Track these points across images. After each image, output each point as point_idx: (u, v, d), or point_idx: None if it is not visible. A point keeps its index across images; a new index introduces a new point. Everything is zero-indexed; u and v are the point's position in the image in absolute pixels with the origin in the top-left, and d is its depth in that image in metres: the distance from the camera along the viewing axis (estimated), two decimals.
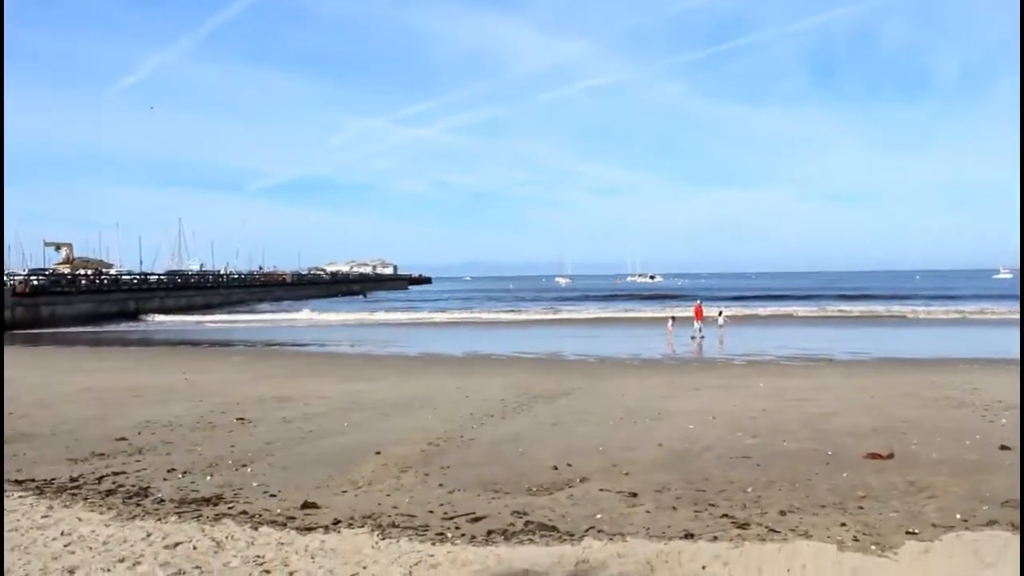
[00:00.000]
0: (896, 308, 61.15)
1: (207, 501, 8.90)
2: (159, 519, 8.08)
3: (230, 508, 8.61)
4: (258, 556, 6.79)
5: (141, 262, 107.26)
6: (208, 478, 10.06)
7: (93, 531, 7.54)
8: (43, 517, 8.08)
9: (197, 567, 6.48)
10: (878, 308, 61.91)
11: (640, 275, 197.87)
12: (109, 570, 6.37)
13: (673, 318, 40.35)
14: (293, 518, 8.20)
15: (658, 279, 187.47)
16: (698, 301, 41.76)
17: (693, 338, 35.73)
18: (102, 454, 11.54)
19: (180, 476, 10.16)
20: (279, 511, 8.48)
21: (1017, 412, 14.06)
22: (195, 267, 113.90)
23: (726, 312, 44.07)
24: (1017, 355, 25.29)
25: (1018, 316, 48.70)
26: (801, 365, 24.90)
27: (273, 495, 9.22)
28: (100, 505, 8.70)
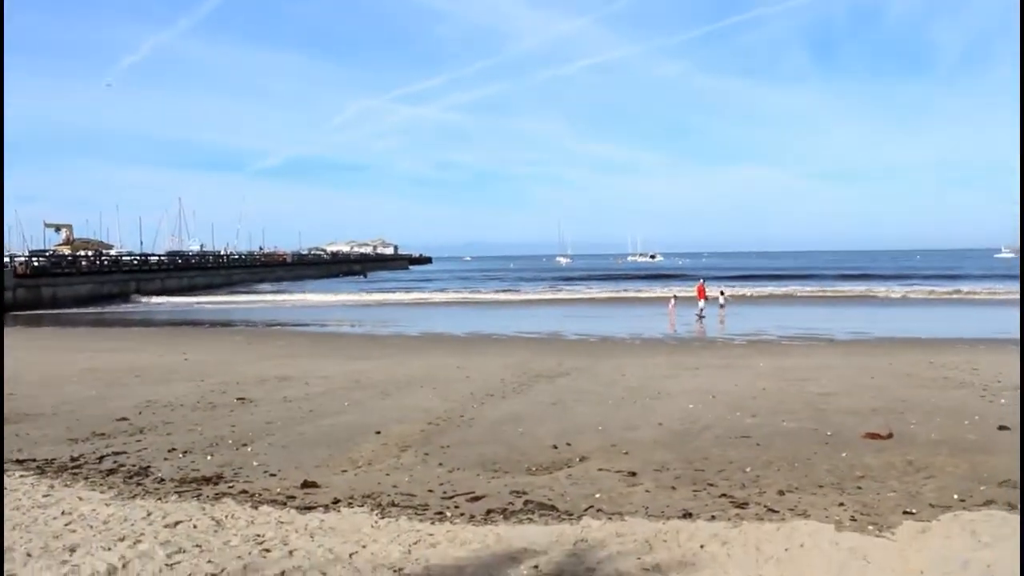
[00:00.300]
0: (897, 288, 61.09)
1: (207, 480, 8.94)
2: (159, 498, 8.11)
3: (230, 487, 8.65)
4: (258, 535, 6.81)
5: (141, 243, 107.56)
6: (208, 458, 10.09)
7: (94, 510, 7.57)
8: (44, 496, 8.11)
9: (197, 545, 6.50)
10: (878, 288, 61.85)
11: (641, 254, 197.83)
12: (110, 548, 6.39)
13: (675, 297, 40.33)
14: (293, 497, 8.24)
15: (659, 258, 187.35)
16: (701, 280, 41.71)
17: (700, 317, 35.75)
18: (103, 434, 11.58)
19: (181, 456, 10.20)
20: (279, 490, 8.52)
21: (1016, 393, 14.08)
22: (196, 248, 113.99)
23: (727, 292, 44.04)
24: (1016, 335, 25.31)
25: (1018, 297, 48.72)
26: (801, 344, 24.92)
27: (273, 474, 9.26)
28: (101, 484, 8.74)
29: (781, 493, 8.26)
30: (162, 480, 8.96)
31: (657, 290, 60.58)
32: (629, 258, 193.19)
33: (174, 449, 10.55)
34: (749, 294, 56.00)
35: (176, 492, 8.40)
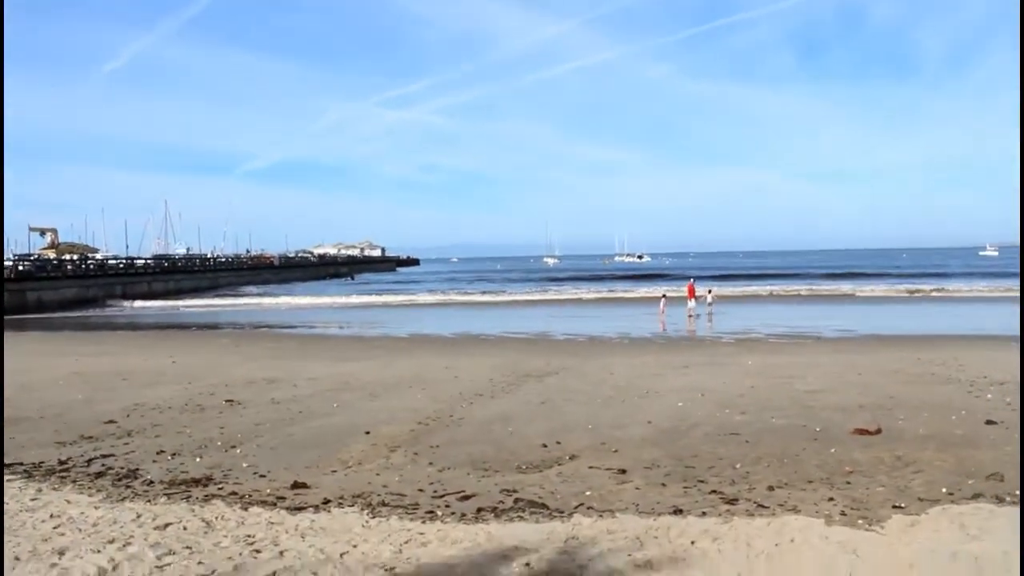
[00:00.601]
0: (883, 286, 61.45)
1: (197, 482, 8.90)
2: (149, 500, 8.07)
3: (220, 489, 8.62)
4: (248, 536, 6.79)
5: (127, 246, 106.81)
6: (197, 460, 10.05)
7: (82, 513, 7.53)
8: (32, 500, 8.06)
9: (187, 547, 6.47)
10: (865, 286, 62.16)
11: (628, 255, 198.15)
12: (99, 551, 6.35)
13: (665, 296, 40.33)
14: (283, 498, 8.21)
15: (646, 259, 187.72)
16: (691, 280, 41.68)
17: (690, 316, 35.85)
18: (91, 437, 11.51)
19: (169, 458, 10.16)
20: (269, 491, 8.50)
21: (1002, 387, 14.18)
22: (182, 251, 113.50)
23: (714, 291, 44.15)
24: (1001, 332, 25.49)
25: (1004, 294, 49.07)
26: (789, 342, 25.01)
27: (263, 476, 9.23)
28: (89, 487, 8.69)
29: (771, 489, 8.29)
30: (151, 482, 8.91)
31: (643, 290, 60.79)
32: (616, 258, 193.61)
33: (163, 451, 10.50)
34: (736, 293, 56.17)
35: (165, 494, 8.36)
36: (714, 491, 8.26)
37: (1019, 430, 10.40)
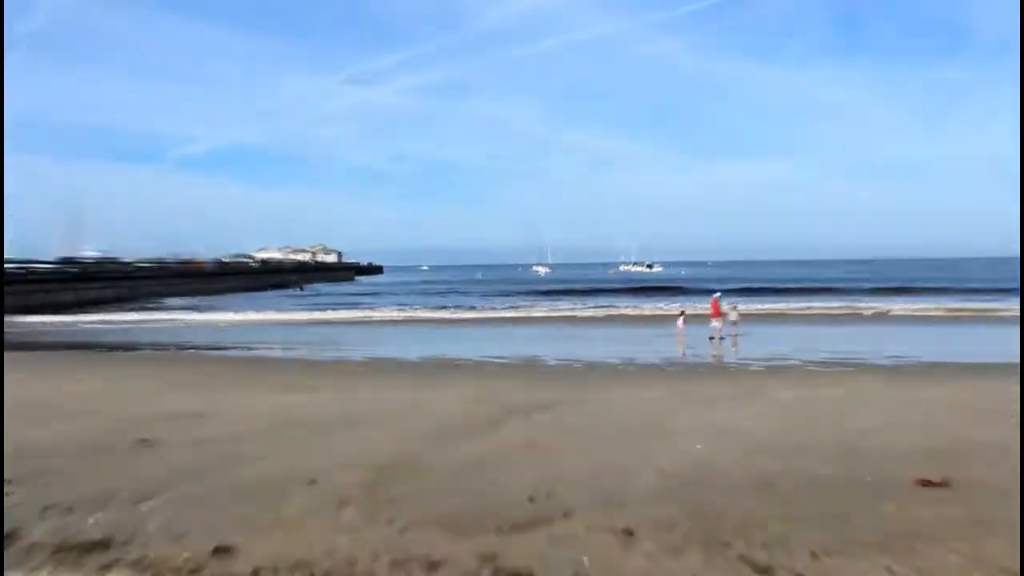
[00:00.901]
0: (949, 303, 61.71)
1: (93, 546, 8.67)
2: (31, 569, 7.89)
3: (122, 555, 8.41)
4: None
5: (24, 247, 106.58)
6: (96, 516, 9.80)
7: None
8: None
9: None
10: (924, 303, 62.51)
11: (635, 263, 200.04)
12: None
13: (683, 313, 40.36)
14: (202, 567, 8.02)
15: (656, 268, 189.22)
16: (716, 294, 41.91)
17: (712, 339, 35.89)
18: None
19: (60, 515, 9.90)
20: (185, 557, 8.28)
21: None
22: (94, 254, 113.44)
23: (740, 308, 44.24)
24: None
25: None
26: (833, 371, 25.02)
27: (178, 538, 9.01)
28: None
29: (814, 556, 8.13)
30: (34, 546, 8.69)
31: (653, 306, 61.21)
32: (622, 267, 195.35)
33: (52, 506, 10.23)
34: (767, 311, 56.39)
35: (52, 561, 8.17)
36: (742, 557, 8.12)
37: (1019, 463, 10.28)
